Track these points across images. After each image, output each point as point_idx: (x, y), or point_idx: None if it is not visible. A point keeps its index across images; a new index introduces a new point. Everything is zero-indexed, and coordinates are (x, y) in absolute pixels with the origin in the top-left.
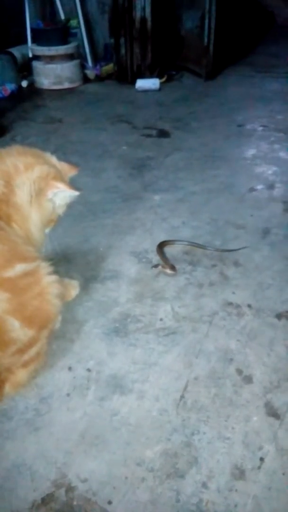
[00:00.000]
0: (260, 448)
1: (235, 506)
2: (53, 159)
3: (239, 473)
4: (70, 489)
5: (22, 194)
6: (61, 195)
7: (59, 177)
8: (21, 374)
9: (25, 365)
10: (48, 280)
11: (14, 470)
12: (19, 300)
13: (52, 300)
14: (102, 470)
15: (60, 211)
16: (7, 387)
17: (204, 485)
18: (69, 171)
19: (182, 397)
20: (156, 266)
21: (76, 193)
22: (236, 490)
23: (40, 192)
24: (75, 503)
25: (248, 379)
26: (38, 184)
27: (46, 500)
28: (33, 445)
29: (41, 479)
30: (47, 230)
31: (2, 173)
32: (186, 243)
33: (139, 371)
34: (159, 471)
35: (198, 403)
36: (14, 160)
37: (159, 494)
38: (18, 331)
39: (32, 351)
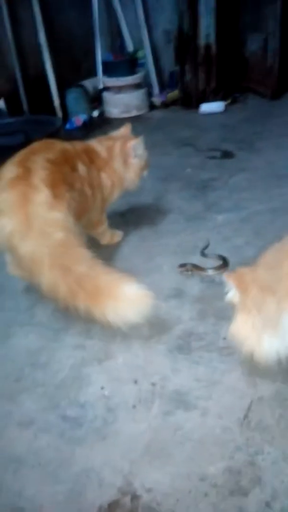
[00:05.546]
0: None
1: None
2: None
3: None
4: (135, 497)
5: (116, 162)
6: (138, 147)
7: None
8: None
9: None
10: None
11: (83, 474)
12: None
13: None
14: (166, 482)
15: (144, 158)
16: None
17: (268, 504)
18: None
19: (246, 416)
20: (184, 265)
21: (140, 138)
22: None
23: (126, 157)
24: (140, 511)
25: None
26: (123, 152)
27: (112, 506)
28: (101, 453)
29: (108, 485)
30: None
31: (106, 147)
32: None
33: (202, 388)
34: (222, 487)
35: (263, 423)
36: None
37: (222, 510)
38: None
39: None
